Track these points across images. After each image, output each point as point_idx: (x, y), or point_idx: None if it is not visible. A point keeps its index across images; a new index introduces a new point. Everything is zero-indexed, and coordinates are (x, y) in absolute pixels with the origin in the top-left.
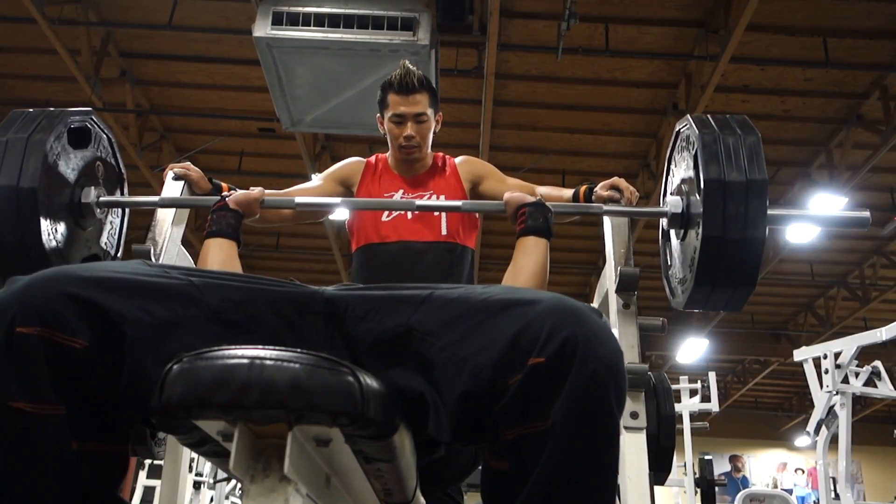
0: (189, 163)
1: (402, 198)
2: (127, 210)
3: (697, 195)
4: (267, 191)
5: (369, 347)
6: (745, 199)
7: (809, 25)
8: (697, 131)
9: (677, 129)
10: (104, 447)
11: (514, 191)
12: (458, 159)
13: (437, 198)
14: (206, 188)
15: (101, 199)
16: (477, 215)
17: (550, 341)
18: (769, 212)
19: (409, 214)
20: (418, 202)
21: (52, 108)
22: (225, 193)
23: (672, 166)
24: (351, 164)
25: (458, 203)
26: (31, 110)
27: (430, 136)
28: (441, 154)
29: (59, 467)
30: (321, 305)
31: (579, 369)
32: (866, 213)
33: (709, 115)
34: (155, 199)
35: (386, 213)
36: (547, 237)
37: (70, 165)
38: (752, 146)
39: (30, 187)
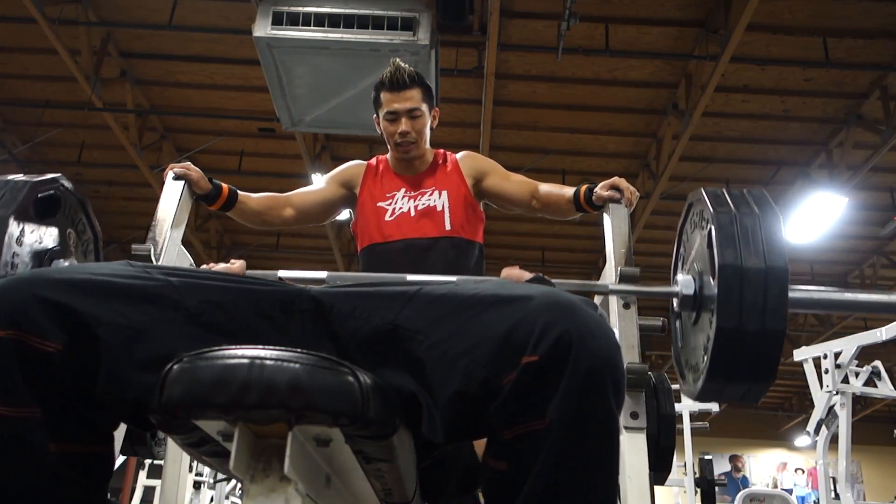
0: (189, 163)
1: (403, 197)
2: None
3: (712, 278)
4: (265, 193)
5: (357, 346)
6: (765, 287)
7: (809, 25)
8: (712, 209)
9: (689, 202)
10: (85, 448)
11: (519, 187)
12: (459, 155)
13: (439, 194)
14: (206, 188)
15: None
16: (482, 208)
17: (544, 338)
18: (791, 294)
19: (413, 212)
20: (409, 277)
21: (17, 178)
22: (204, 267)
23: (683, 239)
24: (352, 166)
25: (453, 279)
26: None
27: (427, 131)
28: (442, 151)
29: (37, 469)
30: (307, 304)
31: (574, 366)
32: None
33: (724, 191)
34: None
35: (389, 212)
36: None
37: (37, 239)
38: (771, 227)
39: None
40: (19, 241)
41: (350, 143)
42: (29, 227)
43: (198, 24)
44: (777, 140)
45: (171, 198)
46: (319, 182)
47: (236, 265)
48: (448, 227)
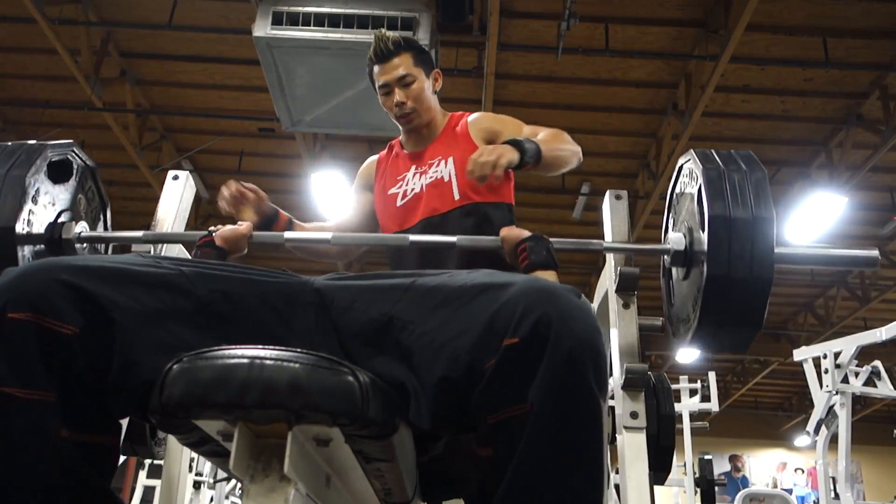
0: (252, 184)
1: (414, 176)
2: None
3: (702, 232)
4: (311, 223)
5: (354, 337)
6: (752, 237)
7: (809, 25)
8: (701, 166)
9: (680, 164)
10: (95, 438)
11: (528, 134)
12: (472, 116)
13: (446, 163)
14: (267, 212)
15: (83, 234)
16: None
17: (524, 321)
18: (777, 250)
19: (423, 188)
20: (411, 237)
21: (32, 142)
22: (212, 228)
23: (674, 202)
24: (365, 167)
25: (453, 239)
26: (9, 144)
27: (426, 96)
28: (459, 113)
29: (49, 453)
30: (311, 296)
31: (554, 348)
32: (875, 253)
33: (713, 151)
34: (139, 234)
35: (400, 195)
36: (554, 269)
37: (50, 201)
38: (757, 182)
39: (6, 226)
40: (34, 200)
41: (350, 143)
42: (43, 188)
43: (198, 24)
44: (777, 140)
45: (172, 198)
46: (348, 200)
47: (243, 227)
48: (456, 196)
